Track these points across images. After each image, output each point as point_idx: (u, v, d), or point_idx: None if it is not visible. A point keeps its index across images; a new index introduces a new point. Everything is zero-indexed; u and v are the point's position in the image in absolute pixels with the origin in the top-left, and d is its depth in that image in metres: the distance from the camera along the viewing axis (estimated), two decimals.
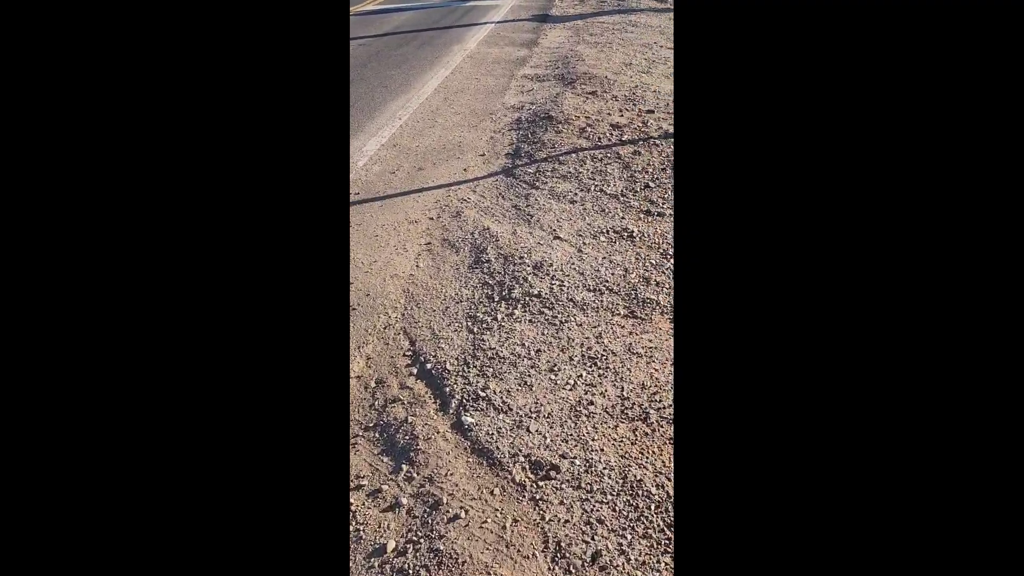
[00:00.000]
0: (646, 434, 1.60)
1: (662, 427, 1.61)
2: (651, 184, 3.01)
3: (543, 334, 2.00)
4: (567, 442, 1.58)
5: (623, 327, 2.02)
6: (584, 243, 2.53)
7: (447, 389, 1.81)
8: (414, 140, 3.83)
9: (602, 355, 1.89)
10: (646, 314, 2.08)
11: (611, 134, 3.65)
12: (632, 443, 1.57)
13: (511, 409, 1.70)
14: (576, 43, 6.04)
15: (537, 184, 3.08)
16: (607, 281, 2.26)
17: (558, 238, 2.57)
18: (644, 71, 5.00)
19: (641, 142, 3.52)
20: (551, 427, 1.64)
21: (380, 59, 5.92)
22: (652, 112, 4.00)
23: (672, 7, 7.55)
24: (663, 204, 2.83)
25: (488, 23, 7.40)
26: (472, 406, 1.73)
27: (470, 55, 5.88)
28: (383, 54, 6.15)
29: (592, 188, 3.00)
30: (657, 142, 3.50)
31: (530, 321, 2.07)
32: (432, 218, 2.85)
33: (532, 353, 1.92)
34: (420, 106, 4.44)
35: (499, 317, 2.10)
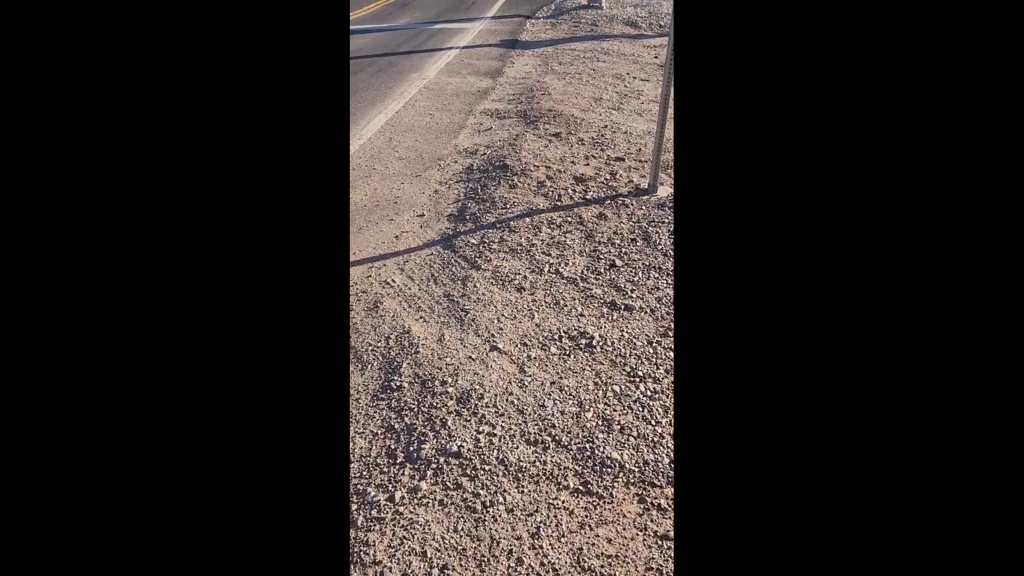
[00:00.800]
0: None
1: None
2: (618, 262, 2.40)
3: (456, 530, 1.36)
4: None
5: (572, 513, 1.38)
6: (529, 357, 1.89)
7: None
8: None
9: None
10: (604, 487, 1.44)
11: (574, 190, 3.04)
12: None
13: None
14: (544, 73, 5.45)
15: (479, 262, 2.44)
16: (554, 425, 1.62)
17: (496, 348, 1.93)
18: (615, 107, 4.42)
19: (608, 201, 2.91)
20: None
21: None
22: (622, 160, 3.41)
23: (645, 34, 7.04)
24: (632, 292, 2.21)
25: (453, 48, 6.79)
26: None
27: (428, 85, 5.24)
28: None
29: (546, 268, 2.38)
30: (626, 201, 2.90)
31: (441, 503, 1.42)
32: None
33: (434, 574, 1.27)
34: (360, 149, 3.78)
35: (398, 495, 1.44)
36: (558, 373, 1.82)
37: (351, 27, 8.34)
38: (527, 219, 2.76)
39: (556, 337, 1.98)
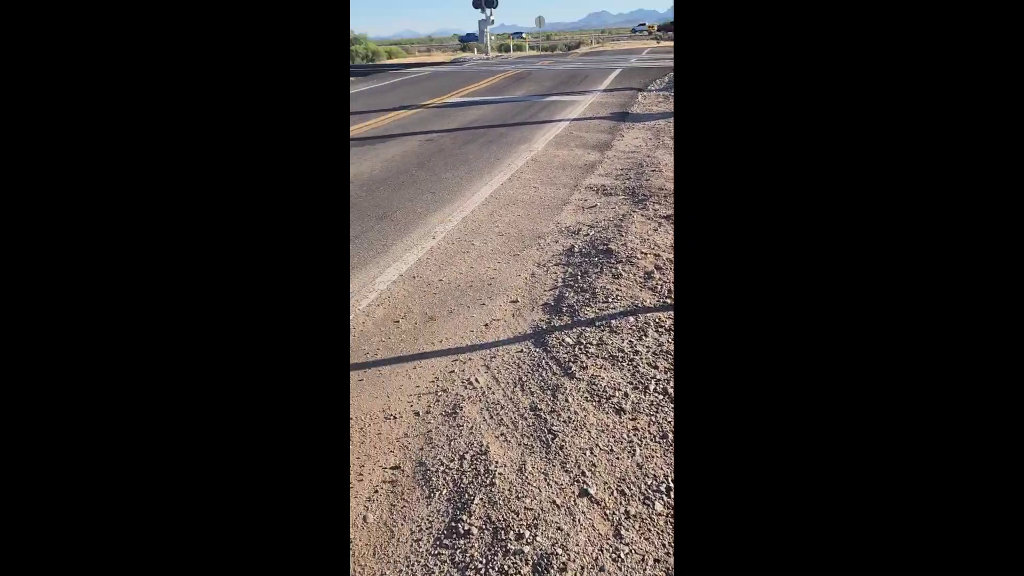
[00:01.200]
0: None
1: None
2: None
3: None
4: None
5: None
6: (627, 514, 1.49)
7: None
8: (439, 271, 3.04)
9: None
10: None
11: None
12: None
13: None
14: (655, 147, 5.17)
15: (573, 368, 2.11)
16: None
17: (586, 493, 1.55)
18: None
19: None
20: None
21: (440, 158, 5.38)
22: None
23: None
24: None
25: (563, 120, 6.78)
26: None
27: (535, 157, 5.18)
28: (446, 151, 5.62)
29: (652, 385, 1.98)
30: None
31: None
32: (418, 413, 1.95)
33: None
34: (462, 221, 3.70)
35: None
36: (665, 547, 1.39)
37: (472, 99, 8.74)
38: (631, 318, 2.39)
39: (663, 488, 1.56)
